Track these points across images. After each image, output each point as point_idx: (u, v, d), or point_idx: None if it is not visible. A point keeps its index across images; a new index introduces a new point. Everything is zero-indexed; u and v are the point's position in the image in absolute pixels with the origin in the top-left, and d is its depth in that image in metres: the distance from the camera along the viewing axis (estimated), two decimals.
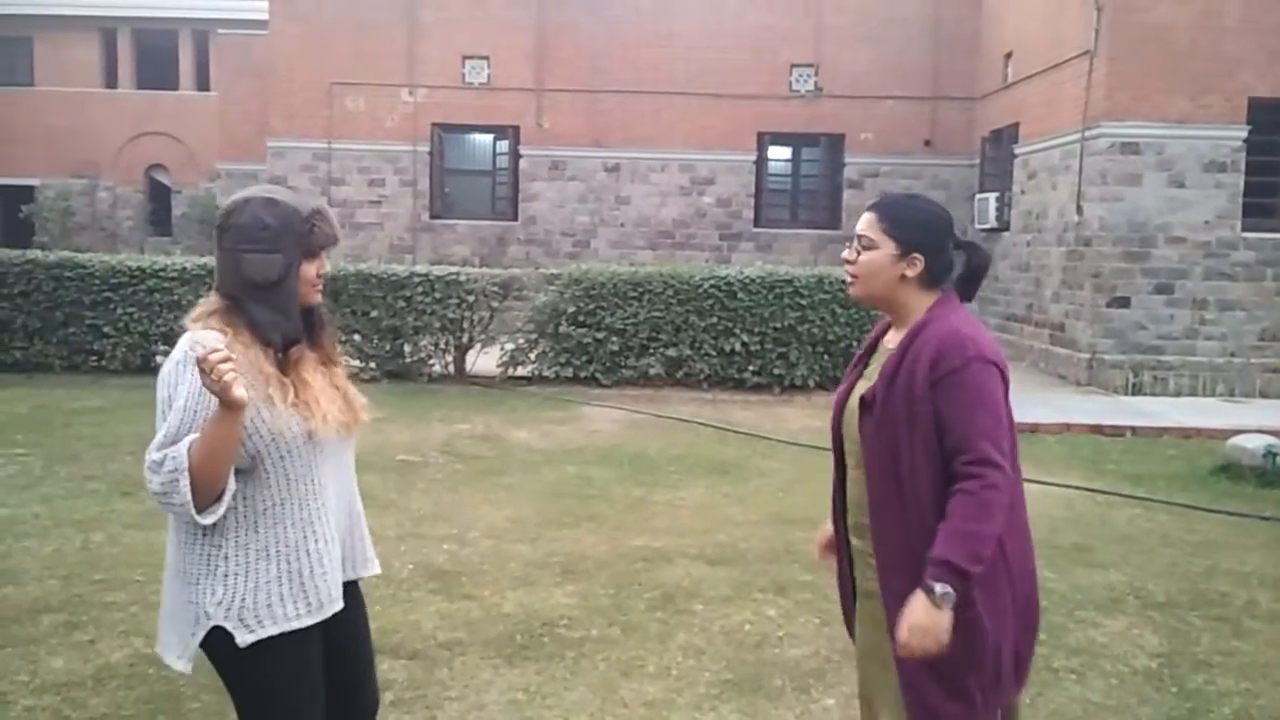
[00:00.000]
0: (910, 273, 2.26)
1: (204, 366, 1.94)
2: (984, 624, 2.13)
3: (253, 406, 2.09)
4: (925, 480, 2.15)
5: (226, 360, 1.95)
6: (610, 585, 4.92)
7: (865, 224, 2.31)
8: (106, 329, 11.15)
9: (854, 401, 2.30)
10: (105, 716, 3.52)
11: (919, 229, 2.27)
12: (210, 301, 2.23)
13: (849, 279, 2.35)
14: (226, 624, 2.13)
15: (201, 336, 2.10)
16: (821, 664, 4.06)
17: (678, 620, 4.51)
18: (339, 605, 2.28)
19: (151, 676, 3.82)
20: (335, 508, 2.31)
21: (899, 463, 2.17)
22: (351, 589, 2.41)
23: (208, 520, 2.07)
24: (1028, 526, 2.29)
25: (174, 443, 2.05)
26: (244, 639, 2.13)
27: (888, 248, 2.26)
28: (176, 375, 2.12)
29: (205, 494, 2.05)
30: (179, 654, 2.18)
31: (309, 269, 2.24)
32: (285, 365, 2.20)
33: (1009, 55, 15.23)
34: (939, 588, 2.04)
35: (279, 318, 2.18)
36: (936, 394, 2.14)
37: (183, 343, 2.15)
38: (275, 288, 2.18)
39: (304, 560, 2.20)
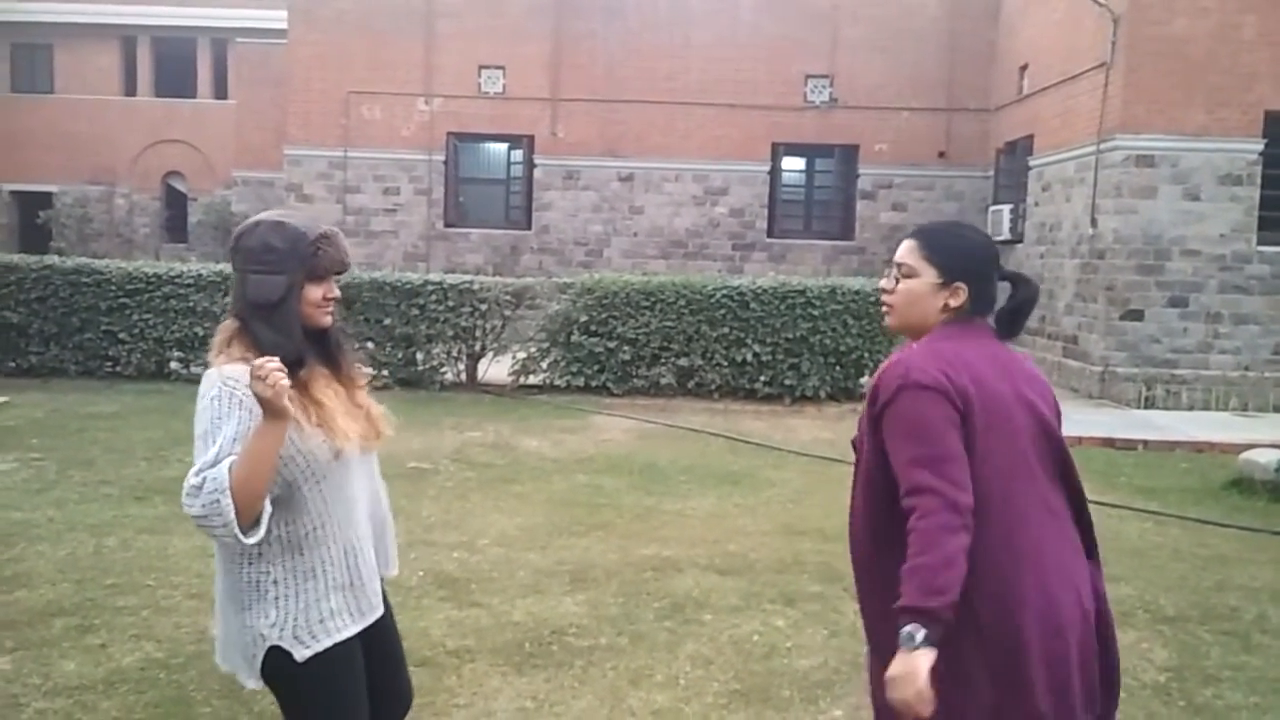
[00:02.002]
0: (954, 302, 2.11)
1: (259, 373, 1.99)
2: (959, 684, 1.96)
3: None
4: (868, 525, 2.10)
5: (281, 369, 2.02)
6: (619, 594, 4.93)
7: (905, 251, 2.16)
8: (122, 335, 11.23)
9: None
10: (116, 719, 3.55)
11: (963, 256, 2.13)
12: (226, 326, 2.29)
13: (885, 309, 2.22)
14: (283, 643, 2.21)
15: (229, 371, 2.16)
16: (830, 675, 4.06)
17: (686, 630, 4.51)
18: (380, 610, 2.41)
19: (162, 681, 3.85)
20: (365, 517, 2.41)
21: (858, 509, 2.12)
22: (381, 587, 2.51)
23: (251, 540, 2.08)
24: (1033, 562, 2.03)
25: (212, 466, 2.06)
26: (302, 655, 2.22)
27: (929, 275, 2.12)
28: (218, 409, 2.12)
29: (247, 513, 2.05)
30: (248, 675, 2.27)
31: (314, 291, 2.28)
32: (296, 386, 2.20)
33: (1024, 67, 15.22)
34: (904, 631, 1.87)
35: (280, 338, 2.20)
36: (880, 430, 2.03)
37: (213, 379, 2.18)
38: (277, 308, 2.22)
39: (348, 574, 2.30)
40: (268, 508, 2.11)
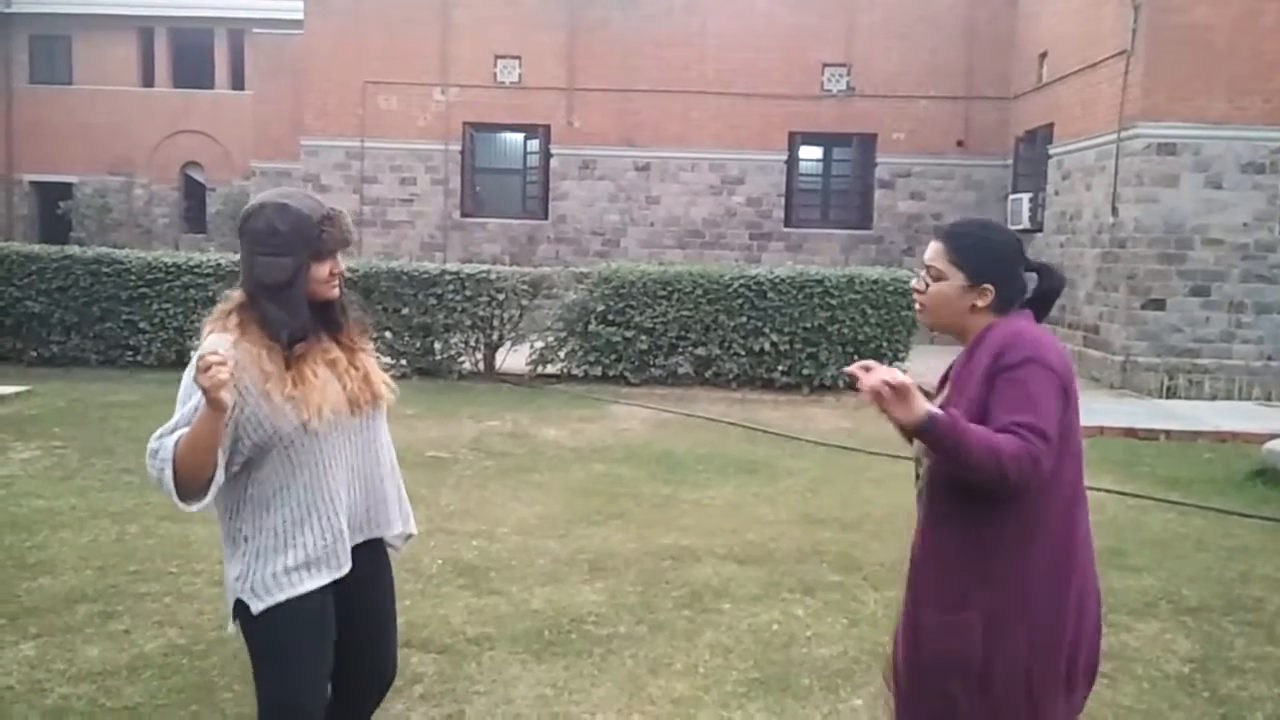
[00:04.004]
0: (980, 302, 2.21)
1: (201, 364, 2.11)
2: (976, 634, 2.10)
3: (253, 402, 2.29)
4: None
5: (223, 364, 2.12)
6: (638, 583, 4.93)
7: (934, 254, 2.26)
8: (142, 324, 11.29)
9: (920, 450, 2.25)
10: (140, 705, 3.57)
11: (989, 259, 2.22)
12: (232, 298, 2.41)
13: (918, 309, 2.32)
14: (243, 596, 2.38)
15: (211, 343, 2.29)
16: (849, 664, 4.05)
17: (705, 619, 4.51)
18: (347, 568, 2.46)
19: (185, 666, 3.87)
20: (348, 479, 2.47)
21: (966, 497, 2.09)
22: (375, 551, 2.58)
23: (191, 508, 2.27)
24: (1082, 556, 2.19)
25: (170, 434, 2.25)
26: (256, 607, 2.36)
27: (957, 279, 2.21)
28: (190, 382, 2.28)
29: (188, 484, 2.23)
30: (230, 619, 2.46)
31: (320, 269, 2.39)
32: (290, 360, 2.35)
33: (1044, 55, 15.11)
34: (935, 410, 1.97)
35: (287, 316, 2.33)
36: (991, 390, 2.08)
37: (199, 348, 2.32)
38: (285, 289, 2.34)
39: (308, 534, 2.39)
40: (219, 478, 2.26)
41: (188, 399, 2.27)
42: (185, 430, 2.22)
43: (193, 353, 2.29)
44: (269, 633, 2.38)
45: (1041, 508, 2.10)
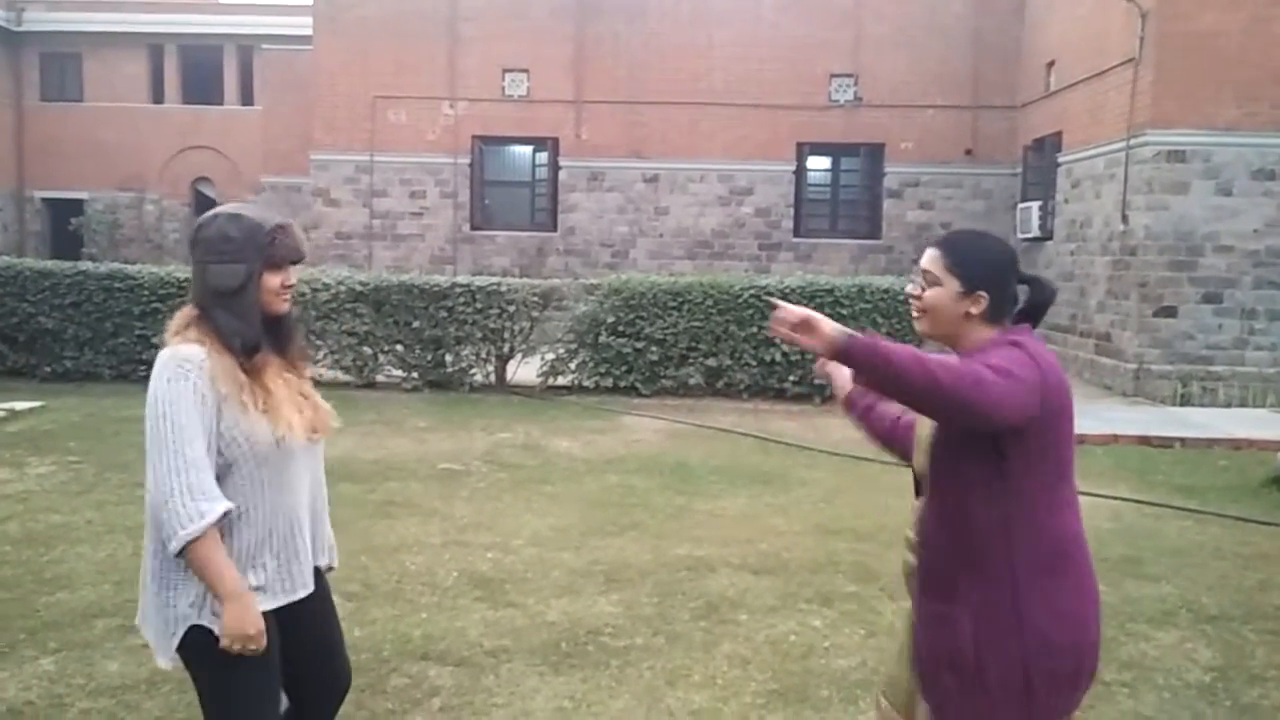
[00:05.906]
0: (974, 310, 2.23)
1: (235, 649, 2.23)
2: (965, 629, 2.13)
3: (230, 413, 2.27)
4: (977, 504, 2.16)
5: (263, 637, 2.25)
6: (654, 594, 4.92)
7: (929, 260, 2.29)
8: (155, 339, 11.30)
9: (924, 437, 2.31)
10: (159, 719, 3.58)
11: (983, 267, 2.24)
12: (186, 312, 2.39)
13: (915, 315, 2.34)
14: (203, 621, 2.28)
15: (184, 352, 2.27)
16: (868, 675, 4.03)
17: (722, 630, 4.50)
18: (310, 588, 2.47)
19: None
20: (308, 502, 2.50)
21: (953, 489, 2.19)
22: (316, 577, 2.57)
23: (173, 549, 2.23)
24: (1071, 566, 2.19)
25: (213, 485, 2.23)
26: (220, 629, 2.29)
27: (952, 285, 2.24)
28: (174, 395, 2.23)
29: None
30: (163, 654, 2.34)
31: (272, 279, 2.38)
32: (250, 372, 2.33)
33: (1051, 63, 15.11)
34: (853, 332, 2.02)
35: (240, 324, 2.32)
36: None
37: (166, 359, 2.28)
38: (237, 295, 2.33)
39: (268, 555, 2.37)
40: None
41: (188, 422, 2.21)
42: (227, 506, 2.23)
43: (160, 371, 2.27)
44: (227, 660, 2.29)
45: (1024, 503, 2.13)
